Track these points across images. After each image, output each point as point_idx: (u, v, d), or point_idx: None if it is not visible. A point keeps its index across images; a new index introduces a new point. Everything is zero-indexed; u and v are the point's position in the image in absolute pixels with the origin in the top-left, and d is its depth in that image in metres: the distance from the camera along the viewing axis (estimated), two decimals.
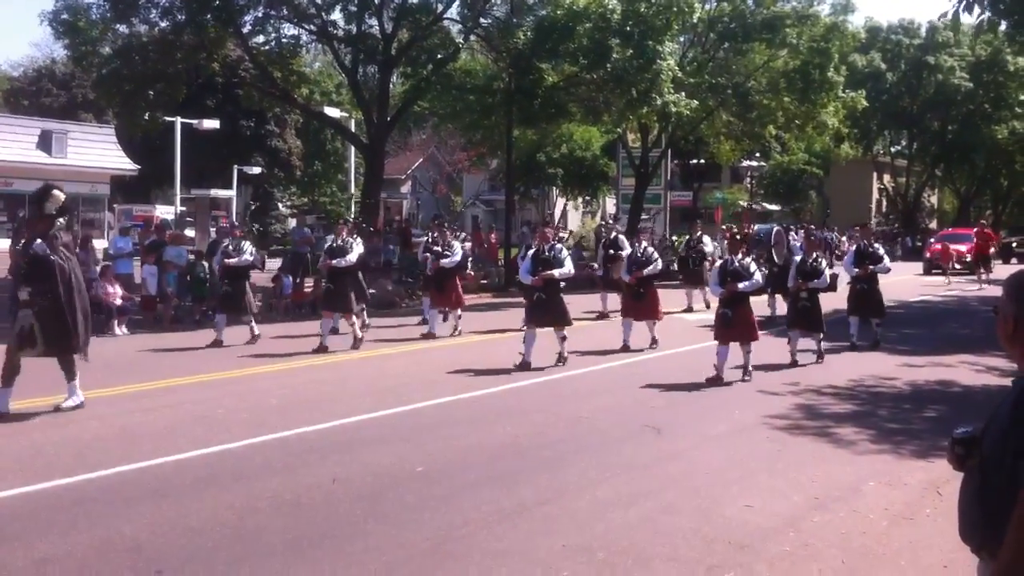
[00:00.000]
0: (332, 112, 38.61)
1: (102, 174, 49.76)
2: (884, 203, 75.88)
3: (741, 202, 57.89)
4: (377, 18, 29.10)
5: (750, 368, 13.78)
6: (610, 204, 53.78)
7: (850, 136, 57.98)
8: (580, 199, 57.30)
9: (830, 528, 7.50)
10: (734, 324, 13.51)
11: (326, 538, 7.07)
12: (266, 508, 7.73)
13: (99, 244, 29.43)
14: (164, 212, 41.88)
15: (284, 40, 29.82)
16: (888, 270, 18.42)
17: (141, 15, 27.61)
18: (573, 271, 15.54)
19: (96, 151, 49.87)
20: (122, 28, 28.03)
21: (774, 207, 65.61)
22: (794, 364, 15.04)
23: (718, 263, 14.77)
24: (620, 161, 42.67)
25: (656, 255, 17.44)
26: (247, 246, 17.73)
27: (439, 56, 29.46)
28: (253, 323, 17.42)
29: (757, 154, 50.35)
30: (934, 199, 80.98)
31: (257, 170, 47.70)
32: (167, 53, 27.53)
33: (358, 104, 32.63)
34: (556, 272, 14.60)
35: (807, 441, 10.44)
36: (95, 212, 49.88)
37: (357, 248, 17.13)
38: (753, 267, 13.92)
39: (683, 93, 29.99)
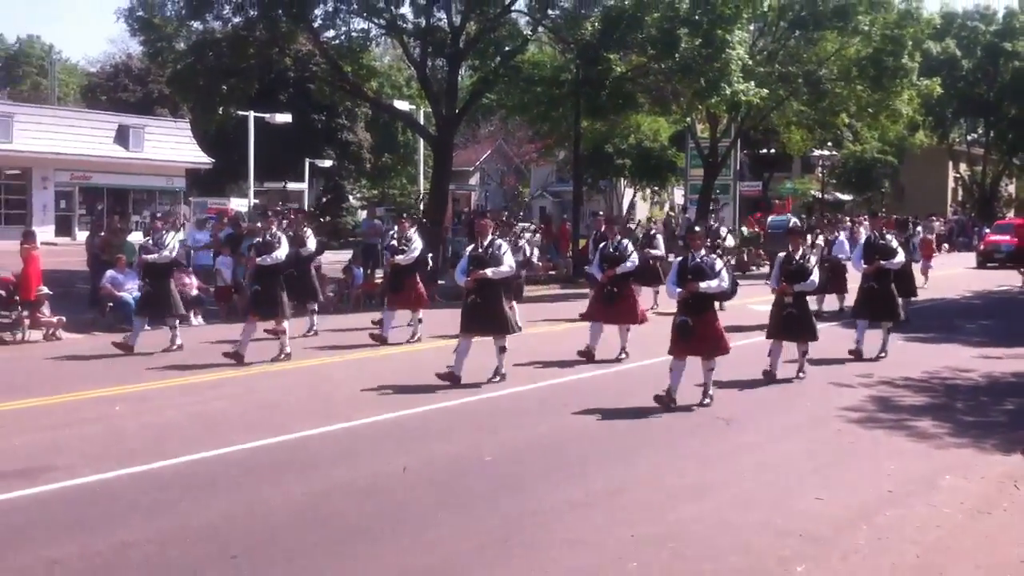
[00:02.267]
0: (401, 105, 38.86)
1: (178, 168, 50.74)
2: (960, 192, 74.26)
3: (813, 192, 57.14)
4: (445, 11, 29.20)
5: (710, 391, 11.49)
6: (679, 195, 53.46)
7: (925, 124, 56.87)
8: (648, 190, 56.98)
9: (904, 522, 7.41)
10: (695, 334, 11.24)
11: (397, 525, 7.17)
12: (338, 495, 7.87)
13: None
14: (238, 205, 42.51)
15: (354, 34, 30.03)
16: (900, 266, 15.74)
17: (214, 11, 28.02)
18: (513, 269, 13.39)
19: (172, 145, 50.87)
20: (196, 24, 28.49)
21: (846, 197, 64.55)
22: (771, 378, 12.88)
23: (677, 259, 12.30)
24: (689, 151, 42.35)
25: (632, 250, 15.01)
26: (171, 240, 15.87)
27: (507, 48, 29.47)
28: (177, 328, 15.66)
29: (829, 143, 49.61)
30: (1012, 188, 79.01)
31: (328, 163, 48.19)
32: (240, 48, 27.93)
33: (427, 97, 32.79)
34: (490, 271, 12.44)
35: (881, 434, 10.31)
36: (172, 205, 50.92)
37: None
38: (719, 265, 11.49)
39: (753, 82, 29.63)
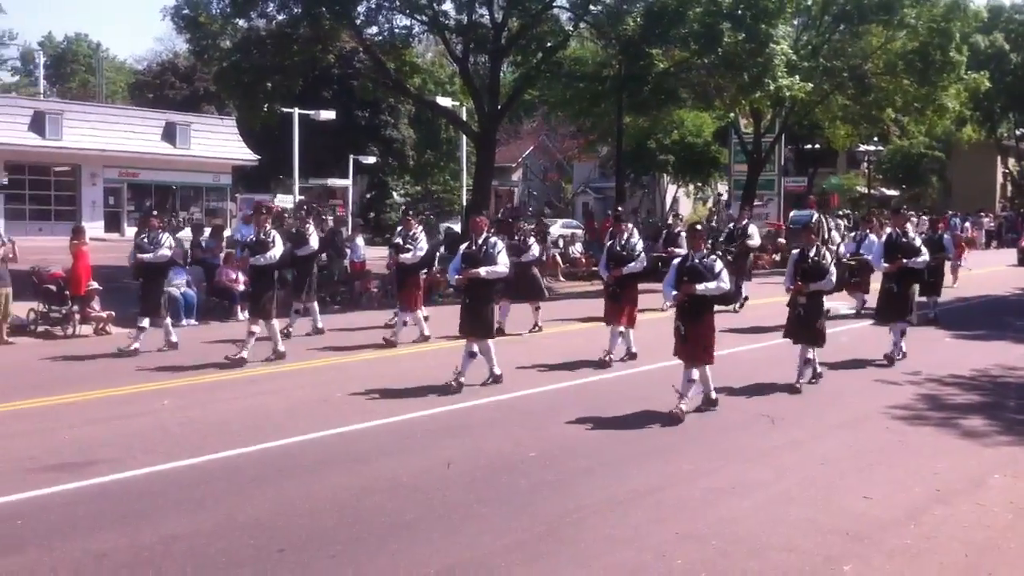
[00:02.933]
0: (444, 101, 38.95)
1: (224, 164, 51.29)
2: (1009, 187, 73.10)
3: (859, 188, 56.53)
4: (487, 7, 29.22)
5: (688, 395, 10.64)
6: (722, 190, 53.14)
7: (972, 119, 56.01)
8: (691, 186, 56.70)
9: (952, 521, 7.32)
10: (688, 340, 10.68)
11: (441, 520, 7.20)
12: (383, 490, 7.91)
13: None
14: (283, 201, 42.85)
15: (396, 31, 30.18)
16: (925, 265, 15.07)
17: (259, 9, 28.29)
18: (508, 269, 12.67)
19: (218, 142, 51.42)
20: (241, 22, 28.80)
21: (893, 192, 63.86)
22: (795, 389, 12.01)
23: (675, 260, 11.55)
24: (732, 147, 42.13)
25: (641, 249, 14.47)
26: (165, 239, 15.29)
27: (549, 44, 29.46)
28: (170, 326, 15.37)
29: (875, 138, 49.07)
30: None
31: (372, 159, 48.45)
32: (284, 46, 28.16)
33: (469, 93, 32.85)
34: (483, 270, 11.95)
35: (929, 432, 10.20)
36: (218, 201, 51.45)
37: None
38: (719, 266, 10.74)
39: (797, 77, 29.40)
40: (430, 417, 10.63)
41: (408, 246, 15.89)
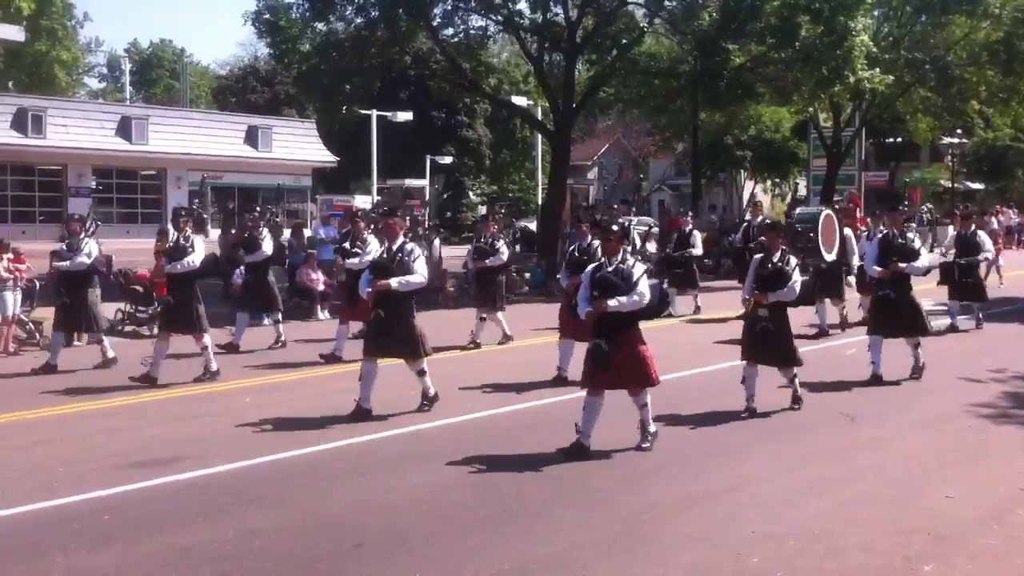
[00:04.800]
0: (519, 101, 39.08)
1: (304, 166, 52.10)
2: None
3: (943, 181, 55.30)
4: (562, 6, 29.23)
5: (651, 429, 9.19)
6: (801, 186, 52.42)
7: None
8: (769, 182, 56.02)
9: None
10: (614, 362, 8.84)
11: (515, 518, 7.25)
12: (457, 487, 7.98)
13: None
14: (362, 202, 43.39)
15: (472, 31, 30.37)
16: (924, 270, 13.19)
17: (338, 13, 28.69)
18: (426, 280, 10.80)
19: (298, 144, 52.27)
20: (320, 26, 29.22)
21: (977, 186, 62.28)
22: (752, 413, 10.46)
23: (589, 268, 9.52)
24: (811, 141, 41.53)
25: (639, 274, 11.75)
26: (88, 245, 13.55)
27: (624, 41, 29.34)
28: (105, 343, 13.85)
29: (958, 131, 47.99)
30: None
31: (448, 160, 48.79)
32: (362, 48, 28.52)
33: (544, 92, 32.92)
34: (394, 282, 10.28)
35: (1014, 430, 9.96)
36: (299, 203, 52.27)
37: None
38: (638, 272, 8.91)
39: (877, 69, 28.90)
40: (507, 415, 10.70)
41: (356, 250, 14.20)
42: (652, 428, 9.21)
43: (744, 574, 6.21)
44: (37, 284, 16.59)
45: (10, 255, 15.61)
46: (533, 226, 38.77)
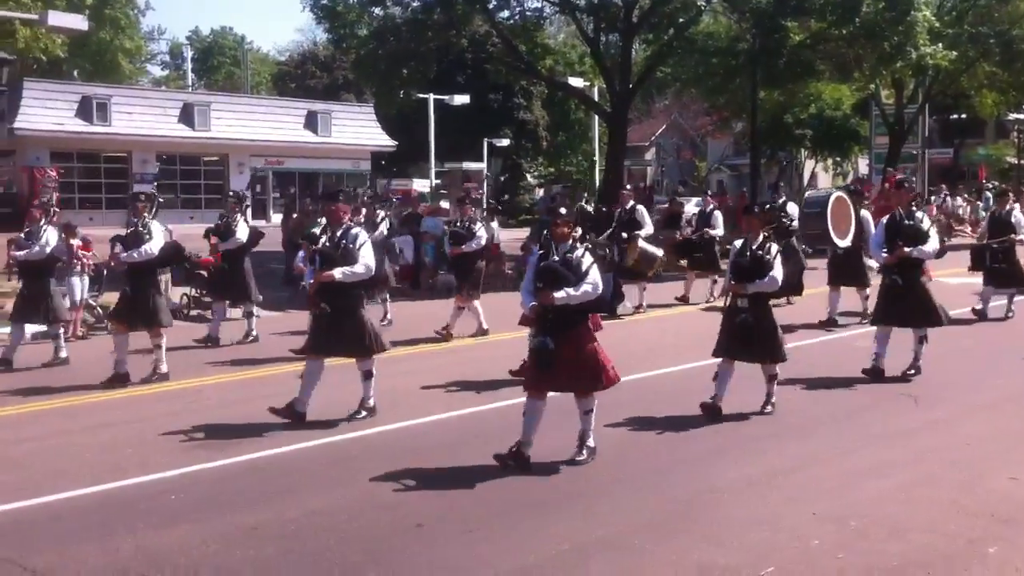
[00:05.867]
0: (575, 82, 38.95)
1: (363, 151, 52.43)
2: None
3: (1009, 158, 54.13)
4: None
5: (589, 441, 8.24)
6: (863, 165, 51.64)
7: None
8: (830, 161, 55.23)
9: None
10: (562, 363, 7.97)
11: (570, 499, 7.29)
12: (513, 469, 8.00)
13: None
14: (420, 186, 43.61)
15: (528, 13, 30.38)
16: (935, 254, 11.68)
17: None
18: (371, 271, 9.78)
19: (357, 129, 52.60)
20: (377, 11, 29.41)
21: None
22: (716, 413, 9.51)
23: (532, 257, 8.61)
24: (873, 119, 40.89)
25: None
26: (48, 234, 12.81)
27: (681, 20, 29.12)
28: (62, 338, 13.16)
29: None
30: None
31: (506, 142, 48.80)
32: (419, 32, 28.64)
33: (600, 73, 32.79)
34: (338, 272, 9.40)
35: None
36: (358, 187, 52.61)
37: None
38: (586, 263, 8.00)
39: (940, 44, 28.33)
40: (560, 397, 10.70)
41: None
42: (591, 442, 8.21)
43: (805, 555, 6.19)
44: (104, 270, 16.93)
45: (78, 240, 15.96)
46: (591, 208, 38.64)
